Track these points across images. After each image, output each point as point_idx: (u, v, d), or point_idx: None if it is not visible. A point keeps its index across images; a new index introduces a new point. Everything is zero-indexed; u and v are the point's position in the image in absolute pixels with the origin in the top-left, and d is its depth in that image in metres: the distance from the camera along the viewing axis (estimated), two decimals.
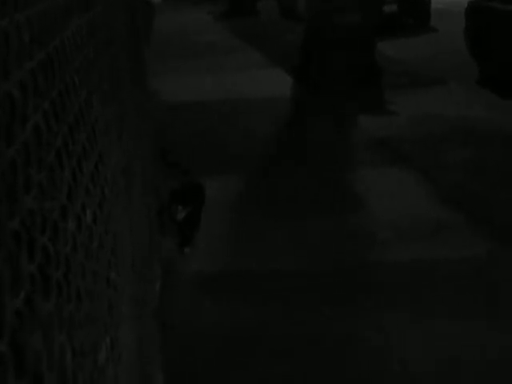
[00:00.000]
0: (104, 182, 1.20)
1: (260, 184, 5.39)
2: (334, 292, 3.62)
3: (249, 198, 5.13)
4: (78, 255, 0.88)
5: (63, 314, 0.76)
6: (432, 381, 2.89)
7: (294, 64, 9.12)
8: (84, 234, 0.95)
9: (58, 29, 0.90)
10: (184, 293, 3.70)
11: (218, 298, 3.61)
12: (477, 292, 3.56)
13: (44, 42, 0.80)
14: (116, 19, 1.84)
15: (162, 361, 2.79)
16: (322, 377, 2.94)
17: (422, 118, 6.86)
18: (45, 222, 0.71)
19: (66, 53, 0.93)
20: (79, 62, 1.05)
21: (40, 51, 0.78)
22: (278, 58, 10.60)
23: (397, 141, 6.19)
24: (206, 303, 3.56)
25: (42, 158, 0.73)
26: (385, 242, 4.22)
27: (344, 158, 6.00)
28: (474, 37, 8.29)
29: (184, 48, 12.30)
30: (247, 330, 3.30)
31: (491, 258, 3.93)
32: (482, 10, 8.14)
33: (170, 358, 2.94)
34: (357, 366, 3.00)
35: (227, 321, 3.37)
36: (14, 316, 0.56)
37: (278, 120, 7.30)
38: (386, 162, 5.71)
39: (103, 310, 1.11)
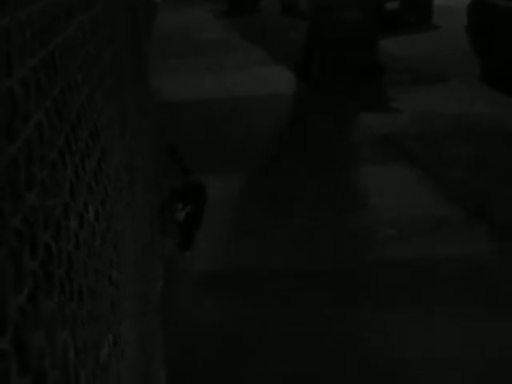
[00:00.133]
0: (106, 180, 1.20)
1: (261, 182, 5.39)
2: (334, 292, 3.61)
3: (250, 196, 5.12)
4: (80, 253, 0.88)
5: (66, 311, 0.76)
6: (432, 381, 2.89)
7: (296, 62, 9.11)
8: (86, 231, 0.95)
9: (60, 27, 0.90)
10: (185, 291, 3.70)
11: (218, 297, 3.61)
12: (478, 291, 3.56)
13: (46, 40, 0.80)
14: (117, 17, 1.84)
15: (164, 358, 2.80)
16: (322, 377, 2.93)
17: (424, 114, 6.85)
18: (47, 219, 0.71)
19: (68, 50, 0.93)
20: (81, 59, 1.05)
21: (42, 49, 0.78)
22: (279, 55, 10.59)
23: (399, 138, 6.18)
24: (207, 302, 3.56)
25: (44, 156, 0.73)
26: (386, 240, 4.22)
27: (346, 156, 6.00)
28: (476, 33, 8.27)
29: (185, 46, 12.29)
30: (247, 329, 3.29)
31: (493, 257, 3.92)
32: (484, 6, 8.12)
33: (171, 358, 2.94)
34: (357, 366, 2.99)
35: (228, 320, 3.37)
36: (16, 313, 0.56)
37: (280, 118, 7.29)
38: (388, 159, 5.71)
39: (106, 307, 1.11)
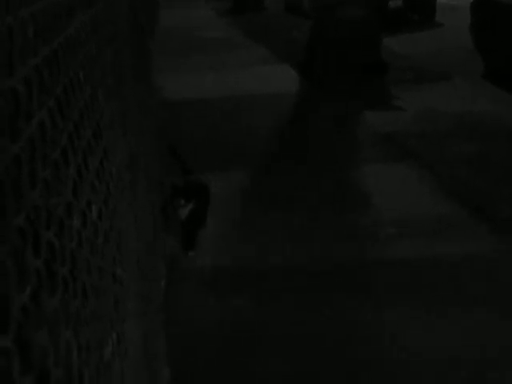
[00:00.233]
0: (109, 178, 1.20)
1: (263, 181, 5.39)
2: (334, 292, 3.60)
3: (251, 195, 5.12)
4: (83, 251, 0.88)
5: (69, 309, 0.76)
6: (432, 381, 2.88)
7: (299, 61, 9.11)
8: (89, 230, 0.95)
9: (62, 25, 0.90)
10: (187, 290, 3.70)
11: (219, 297, 3.61)
12: (479, 290, 3.55)
13: (48, 39, 0.80)
14: (118, 15, 1.84)
15: (167, 356, 2.80)
16: (322, 377, 2.93)
17: (427, 113, 6.84)
18: (50, 217, 0.71)
19: (70, 49, 0.93)
20: (83, 57, 1.05)
21: (44, 47, 0.78)
22: (282, 54, 10.58)
23: (402, 136, 6.17)
24: (210, 300, 3.56)
25: (47, 155, 0.73)
26: (388, 238, 4.21)
27: (348, 154, 5.99)
28: (479, 32, 8.26)
29: (187, 44, 12.28)
30: (248, 329, 3.29)
31: (494, 256, 3.91)
32: (487, 4, 8.10)
33: (172, 358, 2.94)
34: (357, 366, 2.99)
35: (228, 320, 3.37)
36: (19, 311, 0.56)
37: (282, 116, 7.28)
38: (391, 158, 5.70)
39: (109, 306, 1.11)
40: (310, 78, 8.59)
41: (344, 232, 4.34)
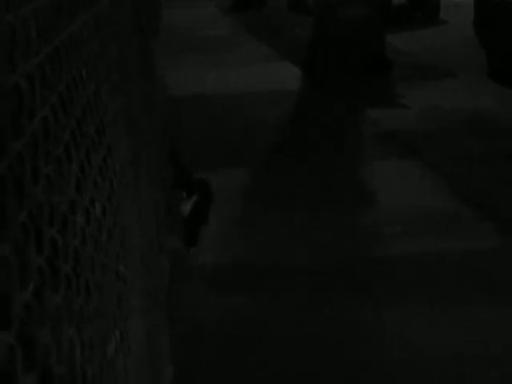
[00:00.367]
0: (112, 175, 1.20)
1: (263, 179, 5.38)
2: (335, 291, 3.59)
3: (252, 193, 5.11)
4: (87, 248, 0.88)
5: (72, 307, 0.76)
6: (435, 379, 2.88)
7: (301, 59, 9.09)
8: (93, 226, 0.95)
9: (65, 22, 0.90)
10: (189, 287, 3.70)
11: (220, 293, 3.61)
12: (482, 287, 3.54)
13: (51, 36, 0.80)
14: (122, 14, 1.84)
15: (171, 354, 2.80)
16: (322, 377, 2.93)
17: (431, 110, 6.82)
18: (53, 214, 0.71)
19: (72, 46, 0.92)
20: (86, 54, 1.05)
21: (47, 44, 0.77)
22: (285, 52, 10.56)
23: (406, 134, 6.16)
24: (211, 298, 3.56)
25: (49, 151, 0.73)
26: (391, 236, 4.21)
27: (351, 152, 5.98)
28: (483, 29, 8.23)
29: (190, 42, 12.28)
30: (248, 329, 3.29)
31: (497, 253, 3.91)
32: (491, 1, 8.08)
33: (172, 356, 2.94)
34: (357, 366, 2.98)
35: (229, 318, 3.37)
36: (22, 308, 0.56)
37: (284, 114, 7.27)
38: (395, 155, 5.69)
39: (112, 303, 1.11)
40: (312, 77, 8.58)
41: (345, 230, 4.33)
